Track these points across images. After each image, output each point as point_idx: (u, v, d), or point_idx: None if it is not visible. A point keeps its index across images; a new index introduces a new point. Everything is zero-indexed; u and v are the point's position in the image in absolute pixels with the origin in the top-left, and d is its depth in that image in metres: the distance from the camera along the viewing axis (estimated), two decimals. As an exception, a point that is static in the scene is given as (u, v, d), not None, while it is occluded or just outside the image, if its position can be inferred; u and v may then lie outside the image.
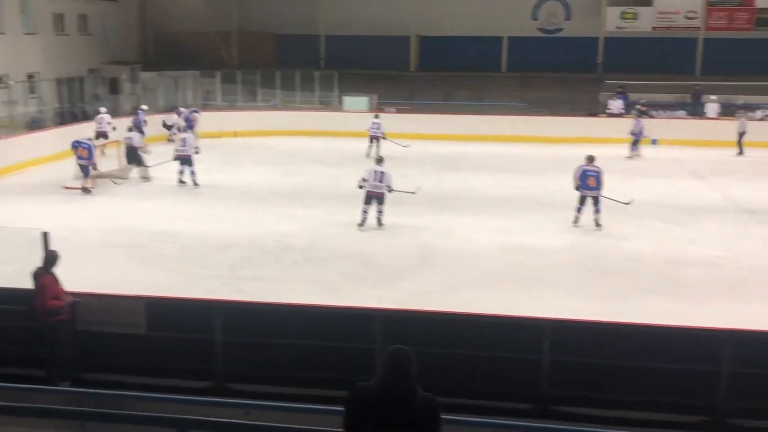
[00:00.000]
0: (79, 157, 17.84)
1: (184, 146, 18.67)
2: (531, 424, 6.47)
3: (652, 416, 7.39)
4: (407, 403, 4.01)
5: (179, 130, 21.93)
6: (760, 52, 32.25)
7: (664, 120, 28.23)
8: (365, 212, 14.81)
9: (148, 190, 18.56)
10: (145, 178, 19.50)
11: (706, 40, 33.85)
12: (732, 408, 7.39)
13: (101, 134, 22.11)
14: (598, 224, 14.86)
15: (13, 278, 8.38)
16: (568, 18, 35.54)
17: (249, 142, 26.51)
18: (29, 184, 18.89)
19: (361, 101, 30.14)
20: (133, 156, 19.49)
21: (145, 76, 31.60)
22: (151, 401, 6.54)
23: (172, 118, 24.83)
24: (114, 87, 30.40)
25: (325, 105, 31.26)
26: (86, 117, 26.36)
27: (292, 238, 14.15)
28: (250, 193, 18.16)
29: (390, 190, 14.73)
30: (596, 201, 14.90)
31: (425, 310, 8.73)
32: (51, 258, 8.17)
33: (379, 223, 14.88)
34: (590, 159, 15.20)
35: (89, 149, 17.82)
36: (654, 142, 25.78)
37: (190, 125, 23.91)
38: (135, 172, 19.62)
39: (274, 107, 30.50)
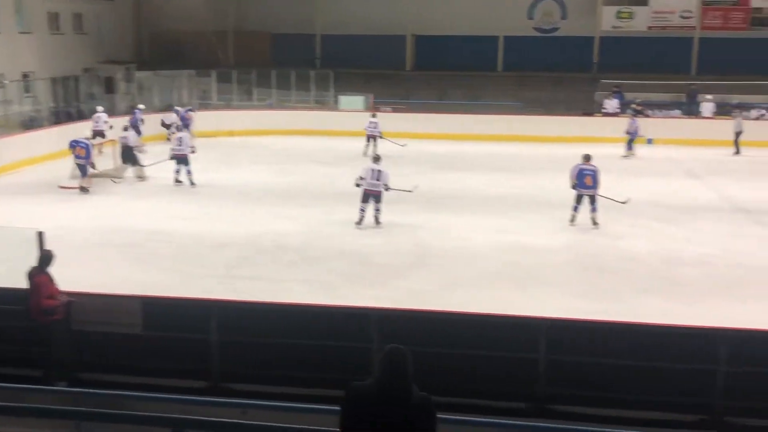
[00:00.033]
0: (77, 157, 17.82)
1: (180, 145, 18.65)
2: (527, 423, 6.48)
3: (649, 415, 7.40)
4: (403, 403, 4.01)
5: (178, 129, 21.91)
6: (756, 51, 32.28)
7: (659, 119, 28.28)
8: (363, 211, 14.83)
9: (145, 190, 18.54)
10: (141, 177, 19.47)
11: (702, 40, 33.88)
12: (728, 407, 7.40)
13: (98, 133, 22.07)
14: (595, 223, 14.90)
15: (8, 278, 8.36)
16: (563, 17, 35.56)
17: (245, 141, 26.48)
18: (25, 184, 18.85)
19: (357, 100, 30.12)
20: (129, 155, 19.47)
21: (140, 75, 31.52)
22: (148, 401, 6.53)
23: (171, 117, 24.79)
24: (109, 86, 30.33)
25: (321, 104, 31.22)
26: (81, 116, 26.31)
27: (289, 237, 14.15)
28: (247, 192, 18.14)
29: (387, 189, 14.76)
30: (593, 200, 14.94)
31: (422, 309, 8.74)
32: (46, 257, 8.16)
33: (377, 221, 14.90)
34: (587, 158, 15.24)
35: (87, 148, 17.81)
36: (649, 141, 25.84)
37: (185, 124, 23.87)
38: (130, 171, 19.59)
39: (270, 106, 30.47)
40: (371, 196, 14.77)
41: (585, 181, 14.92)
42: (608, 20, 34.46)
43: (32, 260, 8.14)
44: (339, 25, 36.03)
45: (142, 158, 19.79)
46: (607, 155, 20.33)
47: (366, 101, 30.23)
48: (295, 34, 36.58)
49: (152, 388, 7.25)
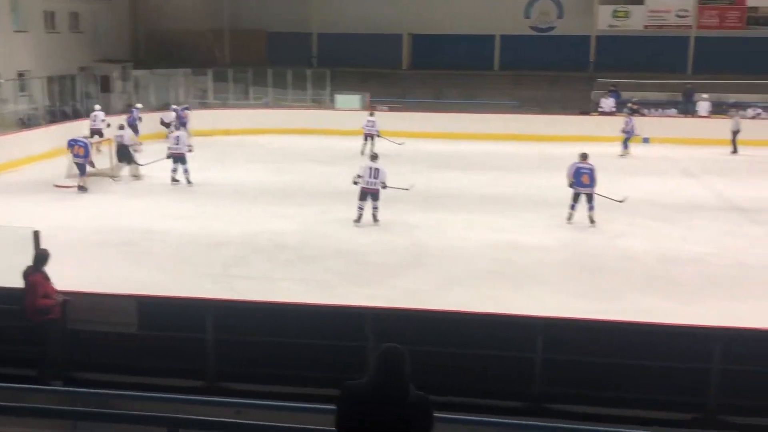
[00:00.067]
0: (76, 156, 17.80)
1: (177, 144, 18.62)
2: (524, 422, 6.48)
3: (644, 413, 7.41)
4: (399, 402, 4.01)
5: (176, 127, 21.92)
6: (752, 50, 32.33)
7: (655, 118, 28.32)
8: (361, 209, 14.87)
9: (141, 189, 18.50)
10: (136, 176, 19.44)
11: (698, 39, 33.92)
12: (723, 405, 7.42)
13: (96, 132, 22.06)
14: (592, 221, 14.93)
15: (3, 277, 8.33)
16: (560, 16, 35.57)
17: (241, 140, 26.45)
18: (20, 183, 18.80)
19: (353, 99, 30.11)
20: (124, 154, 19.43)
21: (136, 74, 31.47)
22: (143, 400, 6.53)
23: (170, 116, 24.80)
24: (105, 85, 30.27)
25: (318, 103, 31.20)
26: (77, 115, 26.28)
27: (285, 236, 14.13)
28: (243, 191, 18.12)
29: (384, 187, 14.79)
30: (590, 198, 14.97)
31: (417, 308, 8.75)
32: (41, 257, 8.13)
33: (375, 219, 14.93)
34: (584, 156, 15.27)
35: (86, 147, 17.82)
36: (646, 140, 25.88)
37: (182, 122, 23.88)
38: (126, 170, 19.55)
39: (266, 105, 30.45)
40: (369, 194, 14.80)
41: (582, 179, 14.94)
42: (604, 19, 34.49)
43: (28, 259, 8.11)
44: (335, 23, 36.01)
45: (138, 157, 19.76)
46: (603, 154, 20.36)
47: (362, 100, 30.23)
48: (292, 33, 36.56)
49: (148, 388, 7.25)
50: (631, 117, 25.24)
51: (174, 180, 18.69)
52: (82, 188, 17.78)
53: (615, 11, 34.36)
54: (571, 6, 35.35)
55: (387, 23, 35.56)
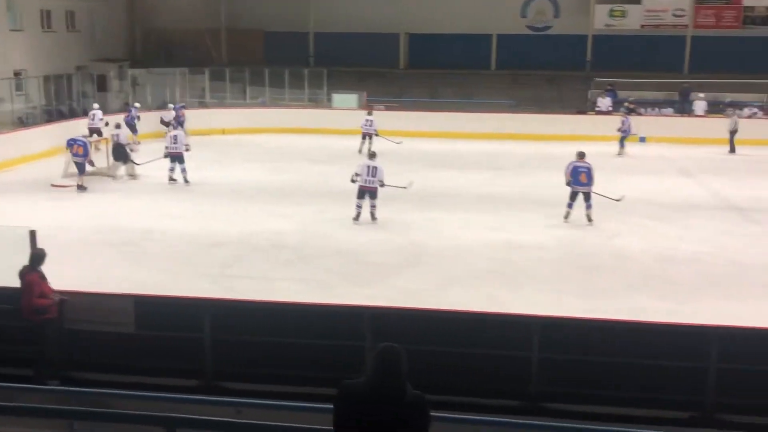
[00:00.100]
0: (75, 155, 17.79)
1: (175, 143, 18.59)
2: (521, 421, 6.49)
3: (641, 412, 7.42)
4: (396, 401, 4.01)
5: (174, 126, 21.91)
6: (748, 50, 32.42)
7: (652, 117, 28.34)
8: (359, 207, 14.92)
9: (138, 188, 18.49)
10: (132, 175, 19.41)
11: (694, 38, 33.99)
12: (719, 403, 7.44)
13: (94, 130, 22.05)
14: (589, 219, 14.96)
15: (0, 277, 8.32)
16: (556, 16, 35.61)
17: (238, 139, 26.43)
18: (17, 182, 18.77)
19: (350, 99, 30.09)
20: (120, 153, 19.39)
21: (133, 73, 31.44)
22: (141, 400, 6.53)
23: (170, 115, 24.79)
24: (102, 84, 30.24)
25: (315, 102, 31.19)
26: (74, 114, 26.24)
27: (283, 235, 14.13)
28: (240, 190, 18.11)
29: (382, 185, 14.82)
30: (587, 196, 15.00)
31: (415, 307, 8.76)
32: (37, 256, 8.12)
33: (373, 217, 14.97)
34: (581, 155, 15.30)
35: (85, 146, 17.82)
36: (642, 139, 25.91)
37: (180, 121, 23.87)
38: (122, 169, 19.53)
39: (263, 104, 30.43)
40: (367, 192, 14.84)
41: (580, 178, 14.97)
42: (601, 18, 34.54)
43: (24, 259, 8.11)
44: (332, 23, 36.01)
45: (134, 156, 19.73)
46: (600, 153, 20.37)
47: (359, 99, 30.22)
48: (289, 32, 36.55)
49: (145, 387, 7.25)
50: (628, 116, 25.26)
51: (171, 179, 18.66)
52: (81, 187, 17.77)
53: (611, 10, 34.41)
54: (568, 5, 35.38)
55: (384, 23, 35.58)
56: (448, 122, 27.82)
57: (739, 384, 7.38)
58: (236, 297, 9.67)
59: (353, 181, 14.93)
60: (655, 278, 11.99)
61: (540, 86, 32.60)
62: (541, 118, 27.98)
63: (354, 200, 14.96)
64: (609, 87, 29.92)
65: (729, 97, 29.33)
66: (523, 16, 35.93)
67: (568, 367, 7.62)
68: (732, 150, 24.53)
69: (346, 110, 28.78)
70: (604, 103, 28.67)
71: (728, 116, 25.53)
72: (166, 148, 18.68)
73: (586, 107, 29.83)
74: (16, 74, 27.84)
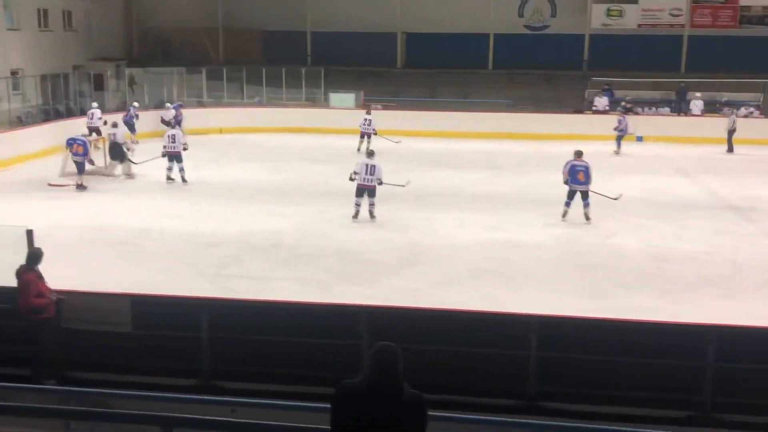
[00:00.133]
0: (75, 154, 17.78)
1: (173, 142, 18.57)
2: (518, 420, 6.50)
3: (638, 411, 7.43)
4: (393, 400, 4.01)
5: (172, 126, 21.90)
6: (744, 49, 32.49)
7: (649, 117, 28.37)
8: (358, 205, 14.97)
9: (136, 187, 18.47)
10: (128, 175, 19.39)
11: (691, 38, 34.05)
12: (717, 402, 7.45)
13: (93, 129, 22.05)
14: (587, 218, 14.99)
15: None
16: (553, 15, 35.63)
17: (236, 138, 26.41)
18: (14, 182, 18.73)
19: (347, 98, 30.08)
20: (117, 152, 19.38)
21: (130, 72, 31.39)
22: (137, 399, 6.53)
23: (170, 114, 24.78)
24: (99, 84, 30.19)
25: (312, 102, 31.17)
26: (71, 114, 26.19)
27: (281, 235, 14.12)
28: (238, 190, 18.10)
29: (380, 183, 14.88)
30: (585, 195, 15.04)
31: (412, 306, 8.76)
32: (34, 255, 8.12)
33: (371, 215, 15.03)
34: (578, 154, 15.33)
35: (85, 146, 17.82)
36: (639, 138, 25.94)
37: (178, 120, 23.85)
38: (119, 168, 19.51)
39: (260, 103, 30.41)
40: (365, 190, 14.89)
41: (578, 177, 15.01)
42: (598, 18, 34.60)
43: (21, 258, 8.10)
44: (330, 22, 36.01)
45: (131, 155, 19.71)
46: (597, 152, 20.39)
47: (357, 99, 30.21)
48: (286, 32, 36.54)
49: (142, 387, 7.24)
50: (625, 115, 25.30)
51: (169, 179, 18.65)
52: (81, 187, 17.76)
53: (608, 10, 34.47)
54: (565, 5, 35.42)
55: (381, 22, 35.59)
56: (445, 122, 27.84)
57: (736, 383, 7.39)
58: (234, 296, 9.67)
59: (352, 179, 14.96)
60: (652, 277, 12.00)
61: (537, 85, 32.63)
62: (538, 118, 28.01)
63: (353, 199, 14.97)
64: (606, 86, 29.94)
65: (726, 96, 29.38)
66: (521, 15, 35.95)
67: (566, 366, 7.62)
68: (730, 149, 24.57)
69: (343, 109, 28.77)
70: (601, 102, 28.70)
71: (726, 116, 25.57)
72: (164, 147, 18.65)
73: (583, 106, 29.85)
74: (13, 73, 27.78)
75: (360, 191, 14.93)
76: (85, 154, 17.78)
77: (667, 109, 29.51)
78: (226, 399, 7.00)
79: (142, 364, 7.99)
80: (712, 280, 11.89)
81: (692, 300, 10.87)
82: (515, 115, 28.40)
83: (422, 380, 4.57)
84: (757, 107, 28.46)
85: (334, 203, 16.06)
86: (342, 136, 25.48)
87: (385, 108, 28.65)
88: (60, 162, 18.95)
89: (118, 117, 22.64)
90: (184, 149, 18.74)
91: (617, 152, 23.98)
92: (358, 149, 22.88)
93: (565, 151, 16.43)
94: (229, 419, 5.48)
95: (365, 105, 28.56)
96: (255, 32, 37.43)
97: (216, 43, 37.90)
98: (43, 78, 27.55)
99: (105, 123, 22.08)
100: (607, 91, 29.63)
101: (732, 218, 15.89)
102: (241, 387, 7.71)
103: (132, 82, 30.36)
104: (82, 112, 25.06)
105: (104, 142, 20.19)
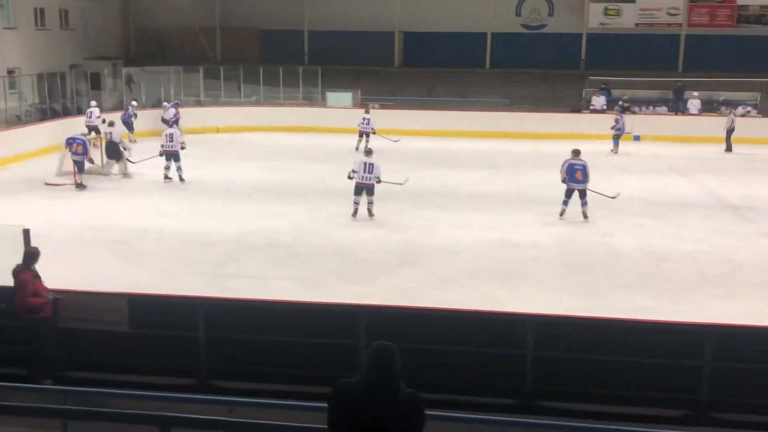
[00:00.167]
0: (74, 153, 17.75)
1: (171, 141, 18.54)
2: (515, 419, 6.49)
3: (636, 410, 7.43)
4: (390, 399, 4.00)
5: (170, 125, 21.88)
6: (742, 48, 32.54)
7: (646, 116, 28.39)
8: (356, 203, 14.98)
9: (133, 187, 18.43)
10: (125, 174, 19.36)
11: (688, 37, 34.08)
12: (714, 401, 7.45)
13: (92, 128, 22.03)
14: (585, 216, 15.00)
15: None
16: (551, 14, 35.63)
17: (233, 138, 26.39)
18: (11, 181, 18.69)
19: (344, 97, 30.07)
20: (113, 151, 19.35)
21: (127, 71, 31.34)
22: (134, 399, 6.51)
23: (170, 113, 24.75)
24: (96, 83, 30.13)
25: (309, 101, 31.15)
26: (68, 113, 26.15)
27: (279, 234, 14.10)
28: (236, 189, 18.08)
29: (379, 182, 14.91)
30: (583, 194, 15.05)
31: (409, 306, 8.76)
32: (31, 255, 8.10)
33: (370, 213, 15.05)
34: (576, 153, 15.34)
35: (84, 145, 17.79)
36: (636, 138, 25.95)
37: (175, 119, 23.83)
38: (116, 168, 19.48)
39: (257, 102, 30.39)
40: (364, 189, 14.93)
41: (576, 175, 15.02)
42: (595, 17, 34.64)
43: (18, 258, 8.07)
44: (327, 21, 36.00)
45: (128, 154, 19.69)
46: (594, 152, 20.41)
47: (354, 98, 30.20)
48: (283, 31, 36.53)
49: (139, 386, 7.23)
50: (622, 115, 25.33)
51: (167, 178, 18.62)
52: (80, 186, 17.74)
53: (606, 9, 34.50)
54: (562, 4, 35.43)
55: (379, 21, 35.58)
56: (442, 121, 27.85)
57: (734, 382, 7.40)
58: (231, 296, 9.66)
59: (350, 177, 14.98)
60: (650, 276, 12.00)
61: (535, 85, 32.65)
62: (535, 117, 28.03)
63: (351, 198, 14.97)
64: (603, 85, 29.97)
65: (723, 95, 29.44)
66: (518, 14, 35.95)
67: (563, 365, 7.62)
68: (728, 149, 24.59)
69: (340, 109, 28.75)
70: (599, 101, 28.73)
71: (725, 115, 25.59)
72: (162, 146, 18.62)
73: (580, 106, 29.88)
74: (10, 72, 27.70)
75: (359, 189, 14.94)
76: (85, 153, 17.76)
77: (664, 109, 29.54)
78: (223, 398, 6.99)
79: (139, 364, 7.99)
80: (710, 280, 11.89)
81: (691, 300, 10.87)
82: (513, 114, 28.43)
83: (420, 379, 4.57)
84: (755, 106, 28.50)
85: (331, 202, 16.05)
86: (339, 135, 25.47)
87: (382, 107, 28.65)
88: (57, 161, 18.90)
89: (116, 116, 22.65)
90: (182, 148, 18.72)
91: (615, 151, 24.01)
92: (357, 148, 22.89)
93: (562, 150, 16.43)
94: (226, 419, 5.47)
95: (363, 104, 28.56)
96: (252, 31, 37.40)
97: (213, 42, 37.87)
98: (40, 77, 27.46)
99: (104, 122, 22.06)
100: (605, 90, 29.66)
101: (731, 218, 15.89)
102: (238, 386, 7.71)
103: (129, 81, 30.31)
104: (80, 111, 25.03)
105: (102, 140, 20.16)
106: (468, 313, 8.26)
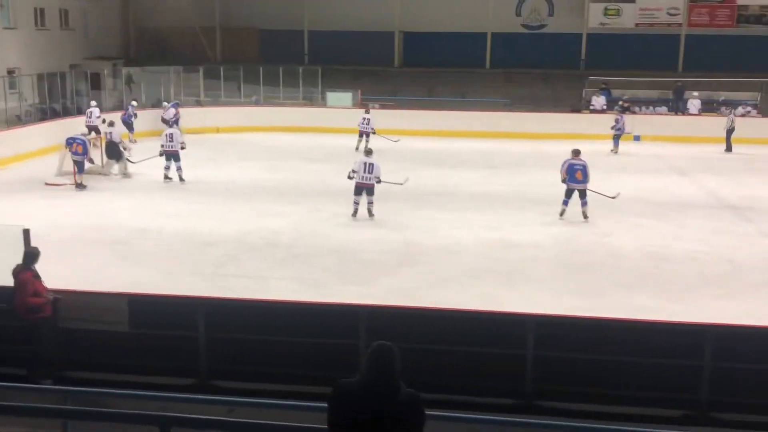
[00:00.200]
0: (75, 153, 17.75)
1: (171, 141, 18.54)
2: (515, 419, 6.49)
3: (636, 410, 7.43)
4: (390, 399, 4.00)
5: (170, 125, 21.88)
6: (742, 48, 32.54)
7: (646, 116, 28.39)
8: (356, 203, 14.99)
9: (133, 187, 18.43)
10: (125, 174, 19.35)
11: (688, 37, 34.09)
12: (714, 402, 7.45)
13: (92, 128, 22.02)
14: (585, 216, 15.00)
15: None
16: (551, 14, 35.64)
17: (233, 138, 26.39)
18: (11, 181, 18.68)
19: (344, 97, 30.06)
20: (113, 151, 19.35)
21: (127, 71, 31.33)
22: (134, 399, 6.51)
23: (170, 113, 24.75)
24: (96, 83, 30.13)
25: (309, 101, 31.15)
26: (67, 113, 26.15)
27: (279, 234, 14.10)
28: (236, 189, 18.08)
29: (379, 181, 14.91)
30: (583, 193, 15.05)
31: (409, 306, 8.76)
32: (31, 255, 8.09)
33: (370, 213, 15.06)
34: (576, 153, 15.35)
35: (84, 145, 17.80)
36: (636, 138, 25.95)
37: (176, 119, 23.83)
38: (115, 168, 19.48)
39: (257, 103, 30.39)
40: (364, 188, 14.93)
41: (576, 175, 15.02)
42: (595, 17, 34.65)
43: (18, 258, 8.07)
44: (327, 21, 36.00)
45: (128, 154, 19.68)
46: (594, 152, 20.40)
47: (354, 98, 30.20)
48: (283, 31, 36.54)
49: (139, 386, 7.23)
50: (622, 115, 25.33)
51: (167, 177, 18.62)
52: (81, 186, 17.74)
53: (606, 9, 34.51)
54: (562, 4, 35.44)
55: (379, 21, 35.58)
56: (442, 121, 27.85)
57: (734, 382, 7.40)
58: (231, 296, 9.66)
59: (350, 177, 14.98)
60: (650, 276, 12.00)
61: (535, 85, 32.65)
62: (535, 117, 28.02)
63: (351, 198, 14.97)
64: (603, 85, 29.98)
65: (723, 95, 29.44)
66: (518, 14, 35.96)
67: (563, 365, 7.62)
68: (728, 149, 24.59)
69: (340, 109, 28.75)
70: (599, 101, 28.73)
71: (725, 115, 25.59)
72: (162, 146, 18.62)
73: (580, 106, 29.88)
74: (10, 72, 27.70)
75: (359, 189, 14.95)
76: (85, 153, 17.77)
77: (664, 109, 29.55)
78: (223, 398, 6.99)
79: (139, 364, 7.99)
80: (710, 280, 11.89)
81: (690, 300, 10.86)
82: (513, 114, 28.42)
83: (420, 379, 4.57)
84: (755, 106, 28.50)
85: (331, 202, 16.05)
86: (339, 135, 25.47)
87: (382, 107, 28.66)
88: (57, 161, 18.90)
89: (116, 116, 22.65)
90: (182, 148, 18.72)
91: (615, 151, 24.01)
92: (357, 148, 22.90)
93: (562, 150, 16.43)
94: (226, 419, 5.47)
95: (363, 104, 28.55)
96: (252, 31, 37.40)
97: (213, 42, 37.86)
98: (40, 77, 27.45)
99: (104, 122, 22.06)
100: (605, 90, 29.66)
101: (730, 218, 15.89)
102: (238, 386, 7.71)
103: (129, 81, 30.31)
104: (80, 111, 25.02)
105: (102, 140, 20.16)
106: (468, 313, 8.26)
